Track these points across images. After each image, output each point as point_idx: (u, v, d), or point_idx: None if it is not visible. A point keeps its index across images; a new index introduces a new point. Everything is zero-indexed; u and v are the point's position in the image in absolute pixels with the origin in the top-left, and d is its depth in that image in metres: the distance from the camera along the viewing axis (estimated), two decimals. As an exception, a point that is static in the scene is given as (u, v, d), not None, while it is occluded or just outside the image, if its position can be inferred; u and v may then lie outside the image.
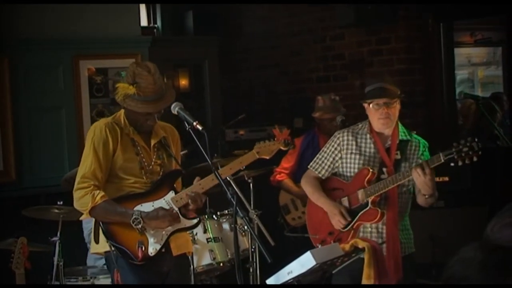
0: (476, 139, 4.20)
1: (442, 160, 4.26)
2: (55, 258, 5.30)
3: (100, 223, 4.26)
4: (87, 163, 4.24)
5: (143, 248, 4.19)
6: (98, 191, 4.18)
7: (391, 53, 7.83)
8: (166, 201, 4.30)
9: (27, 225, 5.59)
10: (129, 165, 4.29)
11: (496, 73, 11.35)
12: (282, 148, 4.57)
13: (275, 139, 4.53)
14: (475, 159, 4.19)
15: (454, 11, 7.61)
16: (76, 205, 4.27)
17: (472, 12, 7.68)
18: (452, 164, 4.22)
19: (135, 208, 4.24)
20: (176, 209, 4.29)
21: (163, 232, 4.28)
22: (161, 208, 4.23)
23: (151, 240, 4.24)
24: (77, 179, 4.25)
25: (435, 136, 7.27)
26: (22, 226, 5.53)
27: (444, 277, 1.97)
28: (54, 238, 5.34)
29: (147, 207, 4.26)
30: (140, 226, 4.17)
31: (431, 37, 7.77)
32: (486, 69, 11.63)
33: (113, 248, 4.20)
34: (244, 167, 5.80)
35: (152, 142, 4.37)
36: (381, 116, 4.57)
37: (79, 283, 5.45)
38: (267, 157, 4.51)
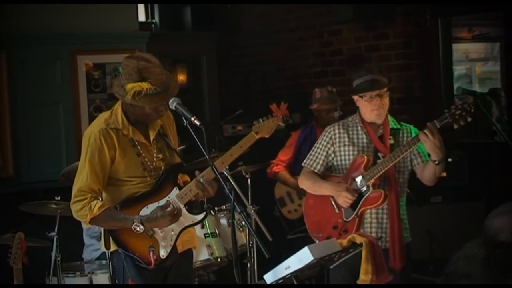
0: (467, 102, 4.26)
1: (438, 126, 4.31)
2: (53, 253, 5.30)
3: (109, 230, 4.24)
4: (83, 175, 4.14)
5: (154, 252, 4.15)
6: (95, 202, 4.11)
7: (389, 48, 7.83)
8: (171, 199, 4.23)
9: (24, 220, 5.59)
10: (132, 168, 4.20)
11: (494, 69, 11.37)
12: (281, 124, 4.41)
13: (273, 115, 4.39)
14: (469, 119, 4.24)
15: (452, 6, 7.61)
16: (75, 216, 4.23)
17: (470, 7, 7.68)
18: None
19: (141, 211, 4.18)
20: (182, 206, 4.23)
21: (172, 233, 4.23)
22: (159, 209, 4.16)
23: (161, 244, 4.20)
24: (74, 191, 4.16)
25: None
26: (19, 221, 5.54)
27: (447, 272, 1.97)
28: (52, 233, 5.33)
29: (153, 208, 4.19)
30: (141, 231, 4.12)
31: (429, 33, 7.78)
32: (484, 64, 11.64)
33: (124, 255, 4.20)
34: (241, 162, 5.87)
35: (151, 135, 4.26)
36: (375, 107, 4.60)
37: (77, 278, 5.44)
38: (267, 136, 4.36)
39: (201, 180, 4.19)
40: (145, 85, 3.98)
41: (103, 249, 4.42)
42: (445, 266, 2.00)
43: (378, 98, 4.59)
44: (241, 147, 4.35)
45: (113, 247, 4.28)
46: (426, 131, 4.32)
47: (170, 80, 4.18)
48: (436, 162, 4.44)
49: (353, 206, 4.61)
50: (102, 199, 4.28)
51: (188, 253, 4.50)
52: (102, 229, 4.36)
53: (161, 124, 4.34)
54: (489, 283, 1.86)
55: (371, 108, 4.61)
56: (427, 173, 4.57)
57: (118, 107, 4.24)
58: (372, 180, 4.54)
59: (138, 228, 4.10)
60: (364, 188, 4.57)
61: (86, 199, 4.11)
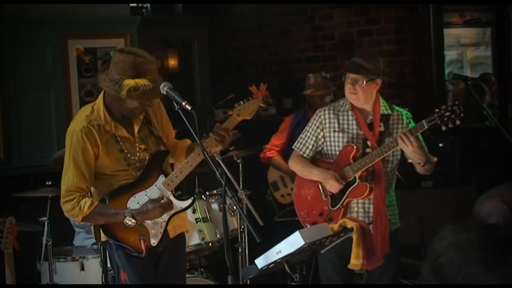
0: (456, 103, 4.21)
1: (426, 127, 4.27)
2: (44, 238, 5.30)
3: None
4: (68, 175, 4.14)
5: (145, 240, 4.18)
6: (84, 201, 4.11)
7: (381, 33, 7.82)
8: (158, 187, 4.24)
9: (15, 204, 5.58)
10: (116, 163, 4.20)
11: (485, 54, 11.35)
12: (261, 105, 4.42)
13: (253, 97, 4.40)
14: (457, 122, 4.20)
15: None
16: (66, 215, 4.26)
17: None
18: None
19: (129, 201, 4.20)
20: (169, 193, 4.25)
21: (161, 220, 4.25)
22: (150, 201, 4.18)
23: (151, 232, 4.23)
24: (62, 191, 4.17)
25: (424, 117, 7.27)
26: (10, 206, 5.52)
27: (438, 264, 1.94)
28: (43, 218, 5.33)
29: (140, 197, 4.22)
30: (133, 225, 4.14)
31: (421, 18, 7.77)
32: (475, 50, 11.63)
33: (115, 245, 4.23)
34: (233, 147, 5.87)
35: (136, 128, 4.25)
36: (348, 91, 4.59)
37: (68, 263, 5.45)
38: (248, 118, 4.37)
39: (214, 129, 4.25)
40: (142, 82, 3.96)
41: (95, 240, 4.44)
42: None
43: (351, 82, 4.56)
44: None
45: (104, 238, 4.29)
46: (403, 137, 4.30)
47: (160, 78, 4.15)
48: (421, 164, 4.44)
49: (339, 195, 4.61)
50: (91, 194, 4.30)
51: (180, 237, 4.51)
52: None
53: (145, 112, 4.32)
54: (491, 266, 1.86)
55: (347, 90, 4.60)
56: (419, 170, 4.57)
57: (99, 102, 4.20)
58: (359, 172, 4.53)
59: (130, 222, 4.12)
60: (351, 178, 4.56)
61: (75, 198, 4.12)
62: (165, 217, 4.26)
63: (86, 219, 4.17)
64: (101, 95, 4.22)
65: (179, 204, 4.30)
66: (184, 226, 4.53)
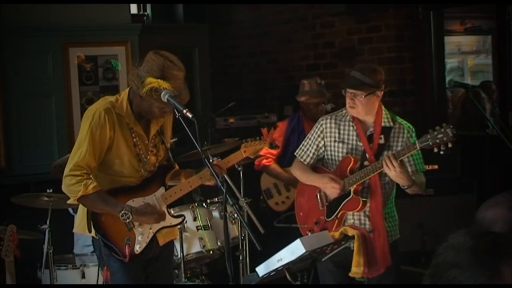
0: (451, 126, 4.12)
1: (418, 148, 4.22)
2: (45, 246, 5.30)
3: (91, 213, 4.26)
4: (82, 149, 4.13)
5: (130, 245, 4.21)
6: (90, 181, 4.11)
7: (381, 41, 7.82)
8: (156, 198, 4.32)
9: (16, 212, 5.58)
10: (125, 153, 4.24)
11: (486, 62, 11.37)
12: (267, 148, 4.75)
13: (262, 138, 4.62)
14: (449, 145, 4.12)
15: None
16: (64, 190, 4.20)
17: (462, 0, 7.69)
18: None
19: (127, 203, 4.23)
20: (164, 206, 4.34)
21: (150, 230, 4.31)
22: (149, 204, 4.25)
23: (138, 238, 4.26)
24: (69, 164, 4.15)
25: (425, 124, 7.28)
26: (11, 214, 5.52)
27: (434, 264, 1.96)
28: (44, 226, 5.33)
29: (138, 202, 4.26)
30: (129, 221, 4.17)
31: (421, 25, 7.78)
32: (476, 57, 11.65)
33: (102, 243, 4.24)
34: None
35: (152, 131, 4.33)
36: (348, 104, 4.56)
37: (69, 271, 5.45)
38: (252, 157, 4.63)
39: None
40: (164, 84, 4.02)
41: (78, 230, 4.45)
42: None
43: (350, 96, 4.54)
44: (229, 162, 4.56)
45: (93, 233, 4.31)
46: (387, 161, 4.25)
47: (185, 88, 4.22)
48: (405, 187, 4.41)
49: (335, 207, 4.59)
50: None
51: (170, 245, 4.64)
52: (81, 212, 4.37)
53: (162, 123, 4.42)
54: (479, 270, 1.86)
55: (347, 104, 4.58)
56: (407, 191, 4.49)
57: (124, 95, 4.28)
58: (354, 186, 4.50)
59: (125, 217, 4.15)
60: (346, 191, 4.52)
61: (82, 175, 4.12)
62: (154, 228, 4.33)
63: (83, 199, 4.15)
64: (127, 89, 4.30)
65: (169, 220, 4.41)
66: (173, 233, 4.65)
